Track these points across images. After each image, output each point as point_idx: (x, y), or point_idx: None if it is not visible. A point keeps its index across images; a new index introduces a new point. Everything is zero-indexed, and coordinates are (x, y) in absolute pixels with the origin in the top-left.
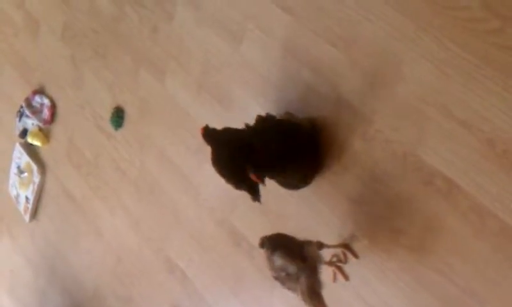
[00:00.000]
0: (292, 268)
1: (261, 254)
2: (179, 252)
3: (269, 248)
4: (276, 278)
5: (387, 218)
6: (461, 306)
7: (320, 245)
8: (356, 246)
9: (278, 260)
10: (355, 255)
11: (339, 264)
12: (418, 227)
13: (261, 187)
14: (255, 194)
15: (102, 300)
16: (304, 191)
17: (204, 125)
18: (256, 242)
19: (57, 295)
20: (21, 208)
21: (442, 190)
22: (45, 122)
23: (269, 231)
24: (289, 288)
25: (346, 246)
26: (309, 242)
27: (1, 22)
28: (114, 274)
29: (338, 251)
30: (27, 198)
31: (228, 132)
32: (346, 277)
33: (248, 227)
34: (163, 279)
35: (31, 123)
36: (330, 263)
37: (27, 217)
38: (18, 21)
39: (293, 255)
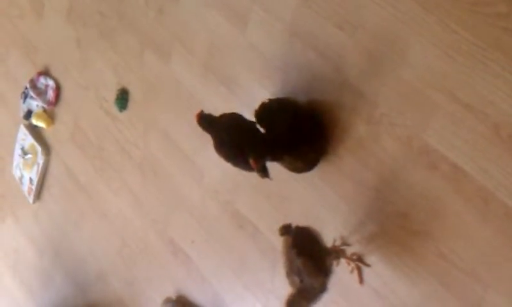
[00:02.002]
0: (310, 281)
1: (264, 237)
2: (183, 235)
3: (295, 246)
4: (288, 274)
5: (391, 202)
6: (464, 290)
7: (337, 256)
8: (362, 230)
9: (301, 265)
10: (366, 264)
11: (359, 264)
12: (422, 211)
13: (269, 164)
14: (264, 172)
15: (106, 282)
16: (309, 174)
17: (199, 110)
18: (260, 224)
19: (61, 276)
20: (25, 189)
21: (447, 175)
22: (50, 104)
23: (273, 213)
24: (292, 286)
25: (359, 258)
26: (329, 251)
27: (7, 4)
28: (118, 255)
29: (357, 250)
30: (31, 179)
31: (226, 116)
32: (361, 281)
33: (251, 210)
34: (166, 261)
35: (35, 104)
36: (351, 260)
37: (31, 198)
38: (24, 2)
39: (319, 269)
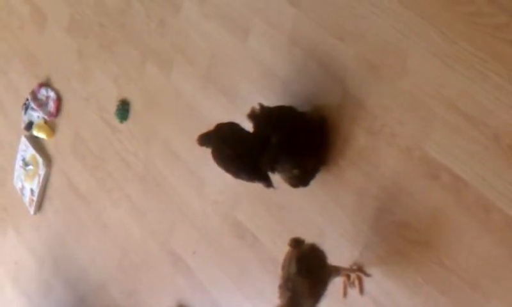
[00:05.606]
0: (301, 301)
1: (265, 247)
2: (183, 245)
3: (301, 262)
4: (281, 287)
5: (392, 212)
6: (465, 300)
7: (338, 273)
8: (362, 240)
9: (299, 284)
10: (367, 274)
11: (359, 274)
12: (423, 221)
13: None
14: (267, 181)
15: (106, 293)
16: (310, 185)
17: (197, 137)
18: (260, 235)
19: (61, 287)
20: (26, 200)
21: (447, 185)
22: (51, 115)
23: (273, 224)
24: (280, 298)
25: (359, 268)
26: (331, 272)
27: (8, 15)
28: (119, 266)
29: (357, 260)
30: (32, 191)
31: (224, 127)
32: (361, 290)
33: (252, 220)
34: (167, 271)
35: (36, 115)
36: (351, 270)
37: (32, 210)
38: (25, 14)
39: (313, 294)
